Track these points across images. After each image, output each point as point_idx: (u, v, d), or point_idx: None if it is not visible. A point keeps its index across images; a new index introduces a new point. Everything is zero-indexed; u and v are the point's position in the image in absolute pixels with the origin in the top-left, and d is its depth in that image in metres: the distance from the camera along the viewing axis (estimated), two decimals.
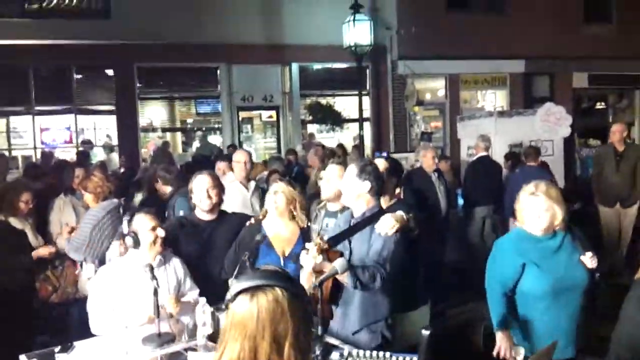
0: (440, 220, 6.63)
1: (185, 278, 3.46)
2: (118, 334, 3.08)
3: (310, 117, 13.17)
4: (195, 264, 3.68)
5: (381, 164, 3.77)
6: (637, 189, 6.94)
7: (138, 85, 11.85)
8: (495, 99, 14.30)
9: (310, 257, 2.79)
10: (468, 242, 7.55)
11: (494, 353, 3.12)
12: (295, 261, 3.15)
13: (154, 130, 12.55)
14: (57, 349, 2.95)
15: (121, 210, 4.14)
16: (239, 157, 5.35)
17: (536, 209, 3.04)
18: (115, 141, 11.98)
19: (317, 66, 13.01)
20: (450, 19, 12.83)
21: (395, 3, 12.81)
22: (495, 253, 3.29)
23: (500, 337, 3.12)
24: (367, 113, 12.79)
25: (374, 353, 2.61)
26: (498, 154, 8.75)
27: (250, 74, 12.35)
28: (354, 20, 10.79)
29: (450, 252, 6.58)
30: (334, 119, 13.14)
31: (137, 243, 3.27)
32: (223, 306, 1.59)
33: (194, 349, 2.93)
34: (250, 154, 5.57)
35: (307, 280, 2.96)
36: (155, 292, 3.03)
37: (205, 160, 10.43)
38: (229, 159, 7.57)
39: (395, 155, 10.77)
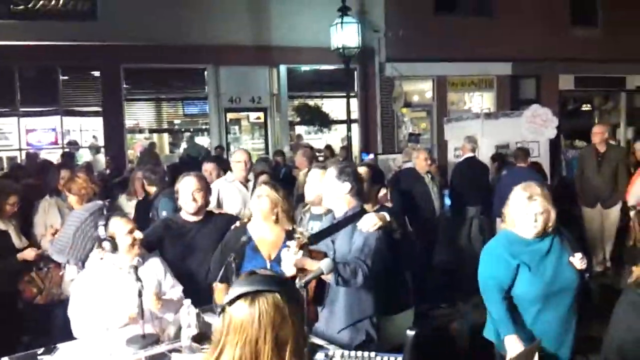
0: (434, 222, 6.65)
1: (165, 276, 3.43)
2: (101, 336, 3.05)
3: (298, 119, 13.18)
4: (180, 266, 3.66)
5: (363, 171, 3.78)
6: (618, 190, 6.99)
7: (125, 86, 11.80)
8: (482, 101, 14.40)
9: (291, 254, 2.84)
10: (455, 243, 7.58)
11: (507, 358, 2.98)
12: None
13: (140, 131, 12.49)
14: (40, 351, 2.93)
15: (105, 212, 4.11)
16: (238, 156, 5.33)
17: (533, 213, 3.01)
18: (101, 142, 11.92)
19: (305, 68, 13.02)
20: (438, 22, 12.91)
21: (383, 5, 12.87)
22: (487, 257, 3.21)
23: (511, 343, 3.01)
24: (354, 115, 12.81)
25: (359, 353, 2.61)
26: (485, 156, 8.81)
27: (238, 76, 12.33)
28: (341, 22, 10.82)
29: (438, 253, 6.59)
30: (322, 121, 13.16)
31: (114, 248, 3.25)
32: (218, 310, 1.57)
33: (178, 351, 2.91)
34: (249, 154, 5.54)
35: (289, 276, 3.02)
36: (140, 294, 3.01)
37: (193, 162, 10.42)
38: (216, 160, 7.57)
39: (383, 157, 10.86)
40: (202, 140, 12.76)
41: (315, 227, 3.76)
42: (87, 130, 12.19)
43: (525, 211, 3.02)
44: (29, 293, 4.57)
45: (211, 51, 11.54)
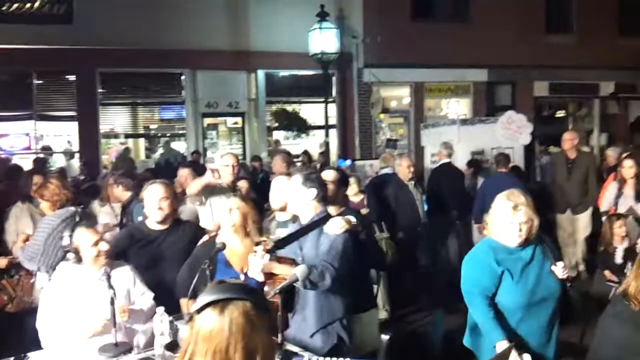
0: (419, 228, 6.69)
1: (134, 284, 3.38)
2: (73, 344, 3.01)
3: (276, 124, 13.15)
4: (146, 275, 3.58)
5: (331, 174, 3.85)
6: (588, 197, 7.10)
7: (100, 90, 11.66)
8: (458, 107, 14.52)
9: (257, 258, 2.86)
10: (435, 248, 7.61)
11: None
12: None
13: (116, 136, 12.34)
14: None
15: (77, 218, 4.06)
16: (226, 160, 5.25)
17: (517, 222, 2.99)
18: (76, 147, 11.76)
19: (283, 73, 13.01)
20: (416, 28, 13.00)
21: (361, 11, 12.92)
22: (471, 265, 3.18)
23: (503, 349, 2.94)
24: (332, 120, 12.84)
25: (334, 359, 2.61)
26: (461, 161, 8.88)
27: (216, 80, 12.26)
28: (320, 27, 10.87)
29: (423, 258, 6.63)
30: (300, 126, 13.15)
31: (79, 259, 3.20)
32: (186, 318, 1.56)
33: (151, 359, 2.89)
34: (238, 158, 5.49)
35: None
36: (112, 301, 2.98)
37: (169, 167, 10.35)
38: (192, 165, 7.53)
39: (361, 162, 10.90)
40: (179, 146, 12.66)
41: (282, 234, 3.74)
42: (62, 135, 12.02)
43: (510, 220, 3.00)
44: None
45: (188, 56, 11.47)
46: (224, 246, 3.41)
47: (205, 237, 3.72)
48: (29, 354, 2.97)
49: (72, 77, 11.62)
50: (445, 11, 13.88)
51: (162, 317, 2.89)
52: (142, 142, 12.97)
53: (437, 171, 7.98)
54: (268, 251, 2.90)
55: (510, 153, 9.37)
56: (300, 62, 11.92)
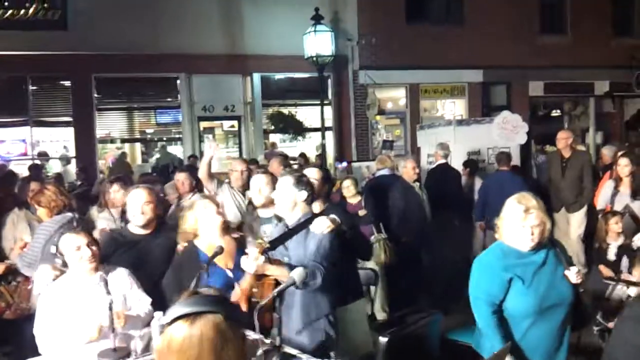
0: (426, 229, 6.68)
1: (131, 289, 3.37)
2: (72, 350, 3.01)
3: (272, 127, 13.16)
4: None
5: (315, 172, 3.97)
6: (583, 195, 7.12)
7: (96, 95, 11.67)
8: (454, 107, 14.55)
9: (252, 260, 2.90)
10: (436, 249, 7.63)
11: None
12: (241, 269, 3.25)
13: (112, 141, 12.34)
14: None
15: (75, 224, 4.05)
16: (235, 165, 5.33)
17: (529, 226, 2.93)
18: (72, 153, 11.75)
19: (278, 76, 13.03)
20: (410, 30, 13.04)
21: (356, 14, 12.95)
22: (479, 270, 3.13)
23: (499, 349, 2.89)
24: (329, 122, 12.85)
25: None
26: (457, 162, 8.90)
27: (211, 84, 12.28)
28: (315, 30, 10.88)
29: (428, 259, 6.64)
30: (296, 129, 13.17)
31: (64, 264, 3.21)
32: (159, 330, 1.55)
33: None
34: (247, 163, 5.54)
35: (248, 283, 3.17)
36: (110, 307, 2.98)
37: (165, 171, 10.35)
38: (189, 169, 7.53)
39: (357, 164, 10.90)
40: (175, 150, 12.67)
41: (267, 230, 3.86)
42: (58, 140, 12.01)
43: (521, 224, 2.93)
44: None
45: (183, 60, 11.48)
46: (221, 250, 3.42)
47: (184, 244, 3.70)
48: None
49: (67, 83, 11.63)
50: (440, 13, 13.91)
51: (160, 322, 2.88)
52: (138, 146, 12.96)
53: (433, 172, 8.00)
54: (263, 252, 2.93)
55: None
56: (295, 64, 11.94)
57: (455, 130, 9.80)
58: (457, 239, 7.35)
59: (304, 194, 3.35)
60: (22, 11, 10.84)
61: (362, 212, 6.17)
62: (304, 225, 3.28)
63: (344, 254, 3.37)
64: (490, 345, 2.99)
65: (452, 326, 4.91)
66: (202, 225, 3.63)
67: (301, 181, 3.37)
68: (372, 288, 5.14)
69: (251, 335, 3.02)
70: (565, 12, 14.98)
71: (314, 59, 10.91)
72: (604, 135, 15.32)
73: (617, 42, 14.88)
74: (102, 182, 6.25)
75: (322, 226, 3.21)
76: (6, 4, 10.78)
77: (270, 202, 3.95)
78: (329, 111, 12.92)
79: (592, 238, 6.15)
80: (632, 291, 4.17)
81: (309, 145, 13.30)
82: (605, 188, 6.21)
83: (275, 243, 3.22)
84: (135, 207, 3.80)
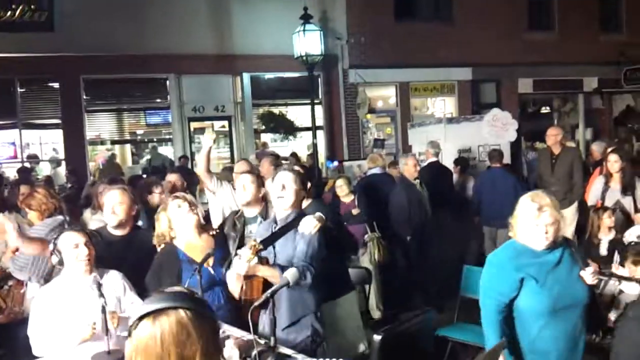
0: (427, 226, 6.69)
1: (125, 292, 3.35)
2: (66, 353, 2.99)
3: (263, 127, 13.15)
4: None
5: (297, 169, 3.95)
6: (573, 192, 7.15)
7: (84, 97, 11.59)
8: (444, 105, 14.60)
9: (244, 262, 2.89)
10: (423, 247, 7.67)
11: None
12: (222, 264, 3.34)
13: (102, 143, 12.28)
14: None
15: (66, 227, 4.03)
16: (239, 167, 5.30)
17: (543, 224, 2.85)
18: (62, 155, 11.68)
19: (268, 75, 13.01)
20: (399, 28, 13.06)
21: (344, 13, 12.97)
22: (491, 268, 3.08)
23: (494, 345, 2.90)
24: (319, 121, 12.84)
25: None
26: (448, 160, 8.93)
27: (201, 84, 12.25)
28: (304, 30, 10.87)
29: (402, 257, 6.64)
30: (287, 128, 13.16)
31: (60, 262, 3.19)
32: (128, 332, 1.54)
33: None
34: (251, 165, 5.50)
35: (236, 282, 3.19)
36: (103, 310, 2.96)
37: (156, 172, 10.31)
38: (180, 170, 7.51)
39: (348, 163, 10.92)
40: (166, 150, 12.63)
41: (253, 229, 3.86)
42: (47, 143, 11.96)
43: (535, 222, 2.86)
44: None
45: (172, 60, 11.44)
46: (213, 253, 3.44)
47: (162, 245, 3.70)
48: None
49: (55, 85, 11.56)
50: (429, 11, 13.95)
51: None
52: (128, 147, 12.91)
53: (425, 170, 8.00)
54: (256, 253, 2.92)
55: None
56: (285, 64, 11.93)
57: (445, 128, 9.84)
58: (449, 236, 7.37)
59: (303, 191, 3.41)
60: (9, 13, 10.74)
61: (355, 211, 6.19)
62: (293, 223, 3.29)
63: (330, 249, 3.37)
64: (489, 343, 2.97)
65: (445, 323, 4.95)
66: (177, 225, 3.64)
67: (300, 177, 3.42)
68: (367, 287, 5.15)
69: (245, 336, 3.03)
70: (552, 8, 15.08)
71: (304, 58, 10.90)
72: (594, 131, 15.43)
73: (605, 39, 14.99)
74: (95, 184, 6.21)
75: (310, 226, 3.22)
76: None
77: (254, 201, 4.02)
78: (319, 110, 12.91)
79: (582, 234, 6.20)
80: (624, 286, 4.20)
81: (300, 145, 13.30)
82: (596, 184, 6.24)
83: (267, 243, 3.21)
84: (108, 207, 3.80)
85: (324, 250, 3.25)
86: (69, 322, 3.06)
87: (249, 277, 3.14)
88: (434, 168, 7.85)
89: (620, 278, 4.38)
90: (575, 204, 7.13)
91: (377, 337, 2.55)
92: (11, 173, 10.39)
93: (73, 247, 3.18)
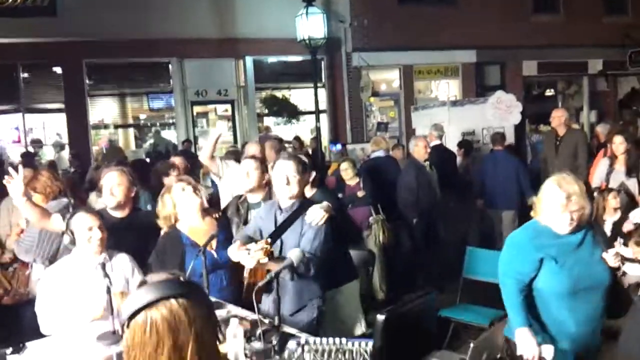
0: (436, 209, 6.69)
1: (133, 274, 3.38)
2: (71, 333, 3.02)
3: (266, 110, 13.13)
4: None
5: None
6: (577, 174, 7.10)
7: (87, 82, 11.57)
8: (448, 88, 14.53)
9: (253, 258, 2.89)
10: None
11: (518, 354, 2.82)
12: (225, 247, 3.30)
13: (105, 127, 12.27)
14: (8, 351, 2.89)
15: (71, 209, 4.05)
16: (248, 149, 5.26)
17: (570, 211, 2.79)
18: (65, 140, 11.69)
19: (271, 59, 12.94)
20: (403, 11, 12.96)
21: None
22: (510, 248, 3.05)
23: (522, 336, 2.83)
24: (323, 105, 12.79)
25: (330, 340, 2.64)
26: (452, 142, 8.92)
27: (204, 68, 12.19)
28: (307, 13, 10.79)
29: (406, 240, 6.66)
30: (290, 112, 13.14)
31: (72, 242, 3.21)
32: (122, 326, 1.52)
33: None
34: (262, 147, 5.43)
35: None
36: (108, 290, 2.99)
37: (160, 156, 10.32)
38: (183, 154, 7.51)
39: (352, 146, 10.90)
40: (169, 135, 12.62)
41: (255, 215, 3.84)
42: (51, 127, 11.96)
43: (561, 210, 2.79)
44: None
45: (175, 44, 11.38)
46: (217, 233, 3.45)
47: (165, 228, 3.71)
48: (27, 344, 2.98)
49: (58, 70, 11.53)
50: None
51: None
52: (131, 132, 12.89)
53: (429, 153, 7.99)
54: (268, 255, 2.92)
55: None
56: (288, 47, 11.87)
57: (449, 111, 9.81)
58: (453, 219, 7.38)
59: (313, 174, 3.42)
60: None
61: (360, 194, 6.20)
62: (299, 212, 3.28)
63: (335, 238, 3.38)
64: (514, 323, 2.91)
65: (448, 304, 4.98)
66: (180, 208, 3.64)
67: (306, 164, 3.44)
68: (370, 269, 5.18)
69: (250, 316, 3.06)
70: None
71: (307, 41, 10.84)
72: (598, 114, 15.35)
73: (610, 21, 14.85)
74: (99, 168, 6.21)
75: (317, 217, 3.21)
76: None
77: (258, 187, 4.01)
78: (322, 94, 12.87)
79: None
80: (627, 267, 4.20)
81: (303, 129, 13.26)
82: (601, 166, 6.22)
83: (275, 237, 3.23)
84: (106, 188, 3.80)
85: (330, 241, 3.26)
86: (79, 301, 3.09)
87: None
88: (438, 151, 7.82)
89: (623, 259, 4.38)
90: None
91: (380, 317, 2.55)
92: (15, 158, 10.41)
93: (87, 229, 3.19)
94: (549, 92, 16.09)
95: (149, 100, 12.50)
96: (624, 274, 4.17)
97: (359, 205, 6.06)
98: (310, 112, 12.40)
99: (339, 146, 10.82)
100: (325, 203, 3.35)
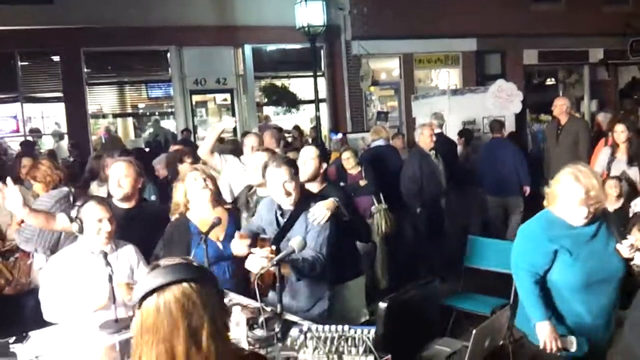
0: (441, 198, 6.66)
1: (138, 265, 3.37)
2: (73, 322, 3.02)
3: (266, 99, 13.08)
4: None
5: (312, 150, 3.87)
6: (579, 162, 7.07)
7: (86, 70, 11.53)
8: (448, 77, 14.48)
9: (259, 263, 2.85)
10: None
11: (541, 346, 2.79)
12: (232, 240, 3.26)
13: (104, 116, 12.23)
14: (11, 340, 2.88)
15: (71, 199, 4.03)
16: (248, 140, 5.12)
17: (587, 206, 2.71)
18: (64, 129, 11.64)
19: (270, 47, 12.88)
20: None
21: None
22: (523, 239, 2.98)
23: (544, 329, 2.79)
24: (322, 94, 12.75)
25: (333, 327, 2.64)
26: (452, 131, 8.90)
27: (202, 57, 12.14)
28: (306, 0, 10.72)
29: (408, 229, 6.66)
30: (290, 101, 13.09)
31: (80, 230, 3.19)
32: (133, 310, 1.51)
33: None
34: (260, 138, 5.31)
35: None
36: (110, 279, 2.98)
37: (159, 146, 10.30)
38: (183, 143, 7.48)
39: (352, 135, 10.87)
40: (168, 124, 12.57)
41: None
42: (49, 116, 11.91)
43: (578, 204, 2.71)
44: None
45: (173, 32, 11.32)
46: (219, 221, 3.42)
47: (177, 215, 3.69)
48: (30, 333, 2.97)
49: (56, 58, 11.48)
50: None
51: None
52: (130, 121, 12.85)
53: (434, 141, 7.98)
54: (276, 261, 2.87)
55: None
56: (287, 35, 11.81)
57: (450, 100, 9.79)
58: (454, 208, 7.38)
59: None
60: None
61: (362, 182, 6.19)
62: (300, 211, 3.25)
63: (342, 234, 3.38)
64: (530, 318, 2.87)
65: (450, 293, 4.99)
66: (192, 197, 3.62)
67: (295, 162, 3.40)
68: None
69: (252, 304, 3.05)
70: None
71: (306, 29, 10.78)
72: (599, 103, 15.31)
73: (611, 9, 14.78)
74: (102, 157, 6.19)
75: (321, 216, 3.19)
76: None
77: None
78: (322, 83, 12.83)
79: None
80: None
81: (303, 118, 13.23)
82: (602, 155, 6.20)
83: (278, 242, 3.22)
84: (114, 180, 3.77)
85: (334, 237, 3.24)
86: (83, 290, 3.08)
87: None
88: (439, 140, 7.78)
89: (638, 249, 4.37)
90: None
91: (382, 305, 2.56)
92: (14, 147, 10.38)
93: (97, 220, 3.16)
94: (550, 81, 16.04)
95: (148, 89, 12.46)
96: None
97: (361, 195, 6.04)
98: (310, 101, 12.36)
99: (339, 135, 10.79)
100: (330, 200, 3.32)
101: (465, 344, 2.68)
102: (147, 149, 10.60)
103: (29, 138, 11.02)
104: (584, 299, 2.82)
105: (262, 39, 12.31)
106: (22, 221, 4.30)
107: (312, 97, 11.54)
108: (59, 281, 3.14)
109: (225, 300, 3.14)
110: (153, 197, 4.54)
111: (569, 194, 2.74)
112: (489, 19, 13.22)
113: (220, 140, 7.29)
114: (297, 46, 12.39)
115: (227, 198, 4.66)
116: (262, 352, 2.52)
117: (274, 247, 3.03)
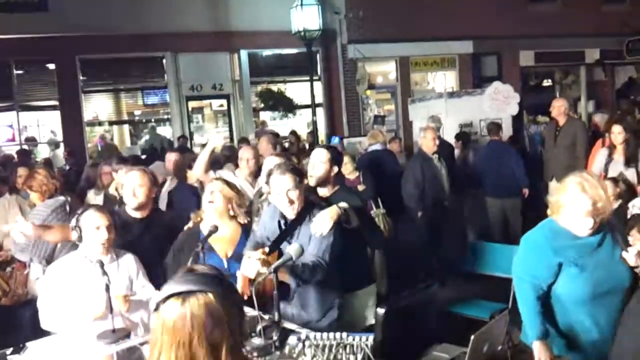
0: (444, 203, 6.59)
1: (137, 275, 3.35)
2: (71, 332, 3.00)
3: (262, 105, 13.07)
4: None
5: (323, 153, 3.74)
6: (577, 164, 7.07)
7: (81, 78, 11.51)
8: (445, 80, 14.49)
9: (253, 267, 2.80)
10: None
11: None
12: (239, 261, 3.13)
13: (100, 124, 12.22)
14: (8, 351, 2.87)
15: (68, 208, 4.01)
16: (242, 153, 5.03)
17: (593, 216, 2.64)
18: (60, 137, 11.62)
19: (266, 52, 12.88)
20: (398, 2, 12.86)
21: None
22: (526, 248, 2.89)
23: (539, 349, 2.72)
24: (319, 98, 12.74)
25: (331, 334, 2.63)
26: (449, 134, 8.89)
27: (198, 63, 12.13)
28: (301, 4, 10.74)
29: (406, 233, 6.63)
30: (286, 106, 13.08)
31: (79, 238, 3.18)
32: (153, 308, 1.52)
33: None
34: (256, 150, 5.22)
35: (243, 283, 3.04)
36: (107, 288, 2.96)
37: (155, 153, 10.27)
38: (179, 150, 7.45)
39: (349, 140, 10.86)
40: (164, 131, 12.56)
41: None
42: (45, 125, 11.89)
43: (584, 215, 2.63)
44: None
45: (169, 38, 11.31)
46: (216, 229, 3.38)
47: (190, 224, 3.67)
48: (27, 344, 2.95)
49: (51, 66, 11.45)
50: None
51: (154, 300, 2.86)
52: (126, 128, 12.84)
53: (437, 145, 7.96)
54: (267, 264, 2.84)
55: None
56: (283, 40, 11.80)
57: (446, 103, 9.78)
58: (452, 212, 7.36)
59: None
60: None
61: (361, 187, 6.16)
62: (301, 219, 3.21)
63: (350, 242, 3.32)
64: (530, 334, 2.80)
65: (448, 298, 4.97)
66: (204, 207, 3.60)
67: (300, 170, 3.38)
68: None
69: (250, 312, 3.03)
70: None
71: (302, 33, 10.78)
72: (596, 103, 15.31)
73: (607, 9, 14.79)
74: (95, 166, 6.17)
75: (323, 226, 3.12)
76: None
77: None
78: (318, 87, 12.82)
79: None
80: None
81: (299, 123, 13.22)
82: (599, 156, 6.18)
83: (274, 247, 3.18)
84: (128, 189, 3.76)
85: (339, 244, 3.17)
86: (81, 299, 3.06)
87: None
88: None
89: None
90: None
91: (380, 311, 2.54)
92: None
93: (94, 228, 3.15)
94: (547, 83, 16.05)
95: (144, 95, 12.45)
96: None
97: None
98: (307, 106, 12.37)
99: (337, 140, 10.78)
100: (333, 207, 3.23)
101: (463, 350, 2.66)
102: (143, 156, 10.57)
103: (25, 147, 11.00)
104: (590, 311, 2.75)
105: (257, 44, 12.30)
106: None
107: (309, 102, 11.55)
108: (57, 289, 3.12)
109: None
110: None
111: (575, 205, 2.65)
112: (485, 20, 13.22)
113: None
114: (293, 51, 12.38)
115: None
116: None
117: (266, 250, 2.99)
